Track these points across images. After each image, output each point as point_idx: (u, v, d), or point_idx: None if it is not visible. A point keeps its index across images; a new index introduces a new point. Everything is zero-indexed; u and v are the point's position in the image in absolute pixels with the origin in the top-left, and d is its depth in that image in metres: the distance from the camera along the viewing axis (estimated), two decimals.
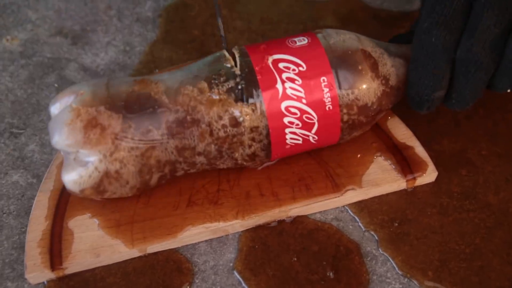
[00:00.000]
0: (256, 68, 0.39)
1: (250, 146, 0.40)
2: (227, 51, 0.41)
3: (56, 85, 0.50)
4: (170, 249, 0.41)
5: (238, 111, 0.39)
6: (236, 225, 0.42)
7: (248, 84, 0.39)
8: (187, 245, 0.41)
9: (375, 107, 0.41)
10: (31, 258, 0.39)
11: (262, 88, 0.39)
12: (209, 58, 0.41)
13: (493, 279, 0.40)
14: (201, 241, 0.42)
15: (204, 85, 0.39)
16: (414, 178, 0.44)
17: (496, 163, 0.46)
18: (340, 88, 0.40)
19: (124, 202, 0.42)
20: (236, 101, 0.39)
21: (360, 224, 0.43)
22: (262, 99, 0.39)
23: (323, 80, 0.39)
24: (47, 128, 0.47)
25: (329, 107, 0.40)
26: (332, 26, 0.55)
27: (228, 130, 0.39)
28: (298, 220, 0.43)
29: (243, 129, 0.39)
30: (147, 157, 0.38)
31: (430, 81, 0.41)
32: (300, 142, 0.41)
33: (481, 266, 0.41)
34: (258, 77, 0.39)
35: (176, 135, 0.39)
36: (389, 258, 0.41)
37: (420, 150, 0.45)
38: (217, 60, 0.40)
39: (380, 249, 0.41)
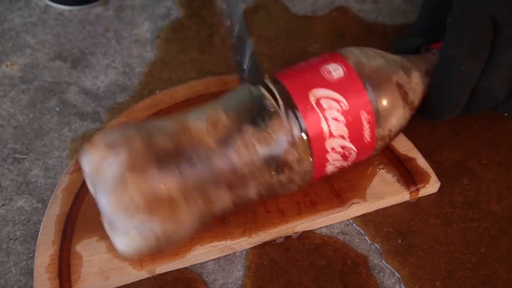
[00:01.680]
0: (299, 107, 0.38)
1: (297, 183, 0.40)
2: (262, 83, 0.39)
3: (57, 109, 0.50)
4: (178, 269, 0.41)
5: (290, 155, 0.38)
6: (243, 242, 0.42)
7: (294, 126, 0.38)
8: (195, 265, 0.41)
9: (402, 128, 0.42)
10: (40, 284, 0.39)
11: (308, 129, 0.38)
12: (243, 95, 0.39)
13: (500, 287, 0.40)
14: (209, 260, 0.42)
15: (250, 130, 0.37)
16: (417, 190, 0.44)
17: (496, 172, 0.47)
18: (377, 120, 0.40)
19: None
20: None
21: (366, 237, 0.43)
22: (308, 140, 0.38)
23: (363, 113, 0.39)
24: (50, 152, 0.48)
25: (367, 140, 0.40)
26: (329, 40, 0.56)
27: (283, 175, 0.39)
28: (305, 235, 0.43)
29: (295, 171, 0.39)
30: (206, 211, 0.37)
31: (453, 104, 0.43)
32: (336, 170, 0.42)
33: (488, 274, 0.41)
34: (303, 117, 0.38)
35: (233, 188, 0.38)
36: (396, 270, 0.41)
37: (422, 162, 0.46)
38: (256, 99, 0.39)
39: (387, 261, 0.42)
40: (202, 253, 0.41)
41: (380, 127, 0.40)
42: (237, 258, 0.42)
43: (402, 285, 0.40)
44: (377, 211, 0.44)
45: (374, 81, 0.40)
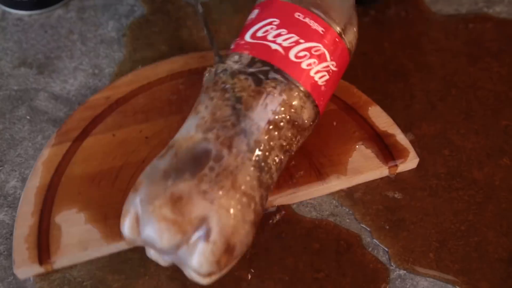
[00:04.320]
0: (246, 52, 0.39)
1: (306, 114, 0.40)
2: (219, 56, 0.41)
3: (28, 117, 0.49)
4: None
5: (274, 94, 0.38)
6: None
7: (255, 67, 0.39)
8: None
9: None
10: (19, 253, 0.40)
11: (264, 58, 0.39)
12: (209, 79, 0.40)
13: (491, 252, 0.41)
14: None
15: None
16: (396, 165, 0.45)
17: (475, 140, 0.47)
18: (315, 10, 0.40)
19: (111, 196, 0.43)
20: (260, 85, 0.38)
21: (355, 217, 0.43)
22: (274, 66, 0.39)
23: (298, 15, 0.40)
24: (25, 162, 0.46)
25: (321, 30, 0.40)
26: None
27: (285, 116, 0.38)
28: (295, 220, 0.43)
29: (291, 105, 0.39)
30: (253, 196, 0.36)
31: None
32: (327, 76, 0.41)
33: (478, 241, 0.42)
34: (254, 55, 0.39)
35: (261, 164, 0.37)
36: (389, 246, 0.42)
37: (401, 138, 0.46)
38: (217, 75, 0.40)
39: (379, 239, 0.42)
40: None
41: (317, 11, 0.40)
42: None
43: (396, 259, 0.41)
44: (365, 191, 0.44)
45: None
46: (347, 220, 0.43)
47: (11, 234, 0.42)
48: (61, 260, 0.40)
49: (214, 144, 0.36)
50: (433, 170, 0.45)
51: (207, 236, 0.34)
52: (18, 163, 0.46)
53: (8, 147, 0.47)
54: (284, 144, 0.38)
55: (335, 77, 0.42)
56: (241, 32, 0.42)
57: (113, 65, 0.53)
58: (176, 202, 0.34)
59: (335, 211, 0.43)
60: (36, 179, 0.44)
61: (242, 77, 0.38)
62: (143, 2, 0.58)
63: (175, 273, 0.40)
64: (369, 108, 0.48)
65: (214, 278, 0.36)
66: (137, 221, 0.35)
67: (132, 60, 0.53)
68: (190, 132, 0.37)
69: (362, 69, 0.52)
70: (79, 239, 0.41)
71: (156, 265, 0.40)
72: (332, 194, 0.44)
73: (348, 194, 0.44)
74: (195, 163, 0.35)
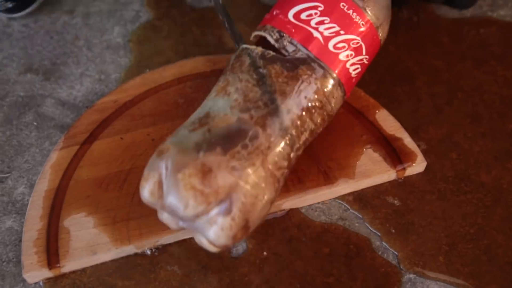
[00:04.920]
0: (288, 32, 0.40)
1: (336, 102, 0.41)
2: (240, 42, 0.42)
3: (35, 123, 0.49)
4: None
5: (310, 81, 0.39)
6: None
7: (293, 52, 0.40)
8: None
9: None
10: (28, 258, 0.40)
11: (305, 45, 0.40)
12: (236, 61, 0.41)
13: (500, 255, 0.41)
14: None
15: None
16: (404, 169, 0.45)
17: (482, 143, 0.47)
18: (359, 1, 0.41)
19: (119, 200, 0.43)
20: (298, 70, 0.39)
21: (365, 221, 0.43)
22: (311, 54, 0.40)
23: (343, 5, 0.41)
24: (33, 168, 0.46)
25: (362, 23, 0.41)
26: None
27: (317, 104, 0.40)
28: (305, 225, 0.43)
29: (324, 93, 0.40)
30: (277, 177, 0.37)
31: None
32: (360, 69, 0.42)
33: (488, 244, 0.42)
34: (294, 38, 0.40)
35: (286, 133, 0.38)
36: (399, 250, 0.41)
37: (409, 141, 0.46)
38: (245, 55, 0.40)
39: (388, 243, 0.42)
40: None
41: (363, 5, 0.41)
42: (240, 255, 0.41)
43: (406, 263, 0.41)
44: (373, 194, 0.44)
45: None
46: (356, 224, 0.43)
47: (20, 241, 0.42)
48: (70, 264, 0.40)
49: (249, 124, 0.37)
50: (441, 174, 0.45)
51: (229, 210, 0.35)
52: (25, 170, 0.46)
53: (16, 154, 0.47)
54: (313, 128, 0.40)
55: (364, 69, 0.43)
56: (282, 2, 0.42)
57: (119, 70, 0.53)
58: (206, 173, 0.35)
59: (344, 215, 0.43)
60: (45, 183, 0.44)
61: (278, 64, 0.39)
62: (148, 7, 0.58)
63: (185, 278, 0.40)
64: (377, 111, 0.48)
65: (224, 248, 0.37)
66: (159, 186, 0.36)
67: (138, 66, 0.53)
68: (226, 111, 0.38)
69: (368, 72, 0.52)
70: (87, 243, 0.41)
71: (166, 270, 0.40)
72: (341, 197, 0.44)
73: (357, 198, 0.44)
74: (229, 140, 0.36)
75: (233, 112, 0.38)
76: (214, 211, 0.35)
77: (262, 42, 0.43)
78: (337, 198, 0.44)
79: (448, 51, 0.54)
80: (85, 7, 0.58)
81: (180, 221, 0.37)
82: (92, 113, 0.48)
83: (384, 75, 0.52)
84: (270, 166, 0.37)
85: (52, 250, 0.41)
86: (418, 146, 0.46)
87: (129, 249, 0.41)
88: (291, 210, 0.43)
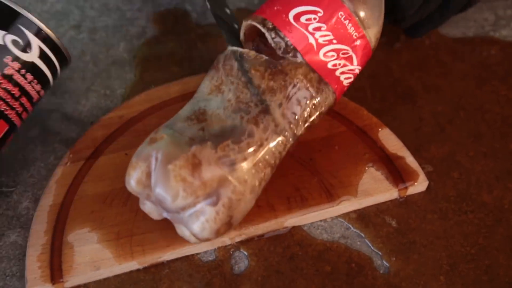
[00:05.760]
0: (285, 33, 0.40)
1: (326, 104, 0.42)
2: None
3: (40, 137, 0.49)
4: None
5: (300, 86, 0.40)
6: (233, 235, 0.42)
7: (287, 54, 0.41)
8: None
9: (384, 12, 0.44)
10: (32, 272, 0.40)
11: (299, 50, 0.40)
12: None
13: (502, 276, 0.41)
14: None
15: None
16: (406, 188, 0.45)
17: (484, 163, 0.48)
18: (356, 15, 0.41)
19: (123, 216, 0.43)
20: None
21: (366, 240, 0.43)
22: (303, 59, 0.40)
23: (341, 15, 0.41)
24: (38, 183, 0.46)
25: (355, 35, 0.41)
26: None
27: (309, 107, 0.40)
28: (306, 242, 0.43)
29: (313, 96, 0.41)
30: (264, 175, 0.39)
31: None
32: (352, 78, 0.43)
33: (489, 264, 0.42)
34: (290, 40, 0.40)
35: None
36: (400, 269, 0.42)
37: (411, 160, 0.47)
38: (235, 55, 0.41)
39: (390, 261, 0.42)
40: (193, 246, 0.42)
41: (360, 17, 0.42)
42: (242, 272, 0.42)
43: (408, 282, 0.41)
44: (375, 213, 0.45)
45: None
46: (358, 243, 0.43)
47: (24, 255, 0.42)
48: (73, 279, 0.40)
49: (243, 123, 0.38)
50: (442, 193, 0.46)
51: (214, 204, 0.36)
52: (30, 184, 0.47)
53: (21, 168, 0.47)
54: (302, 130, 0.41)
55: (356, 76, 0.44)
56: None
57: (124, 86, 0.53)
58: (196, 166, 0.36)
59: (346, 233, 0.44)
60: (49, 198, 0.44)
61: (270, 67, 0.40)
62: (154, 23, 0.59)
63: None
64: (379, 130, 0.48)
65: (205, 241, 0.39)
66: (147, 175, 0.37)
67: (144, 81, 0.54)
68: (219, 111, 0.39)
69: (371, 90, 0.52)
70: (91, 258, 0.41)
71: (169, 286, 0.40)
72: (343, 216, 0.45)
73: (359, 216, 0.44)
74: (222, 136, 0.37)
75: (225, 112, 0.39)
76: (200, 205, 0.36)
77: (253, 29, 0.43)
78: (339, 216, 0.44)
79: (451, 70, 0.55)
80: (91, 22, 0.59)
81: (164, 212, 0.38)
82: (97, 129, 0.48)
83: (387, 93, 0.53)
84: (260, 164, 0.38)
85: (55, 265, 0.41)
86: (420, 165, 0.46)
87: (132, 265, 0.41)
88: (293, 227, 0.44)
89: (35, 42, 0.43)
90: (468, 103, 0.52)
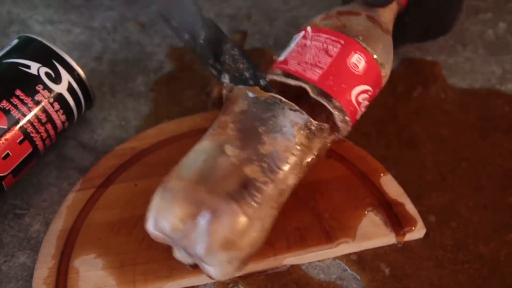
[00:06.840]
0: (347, 110, 0.44)
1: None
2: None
3: (56, 163, 0.51)
4: None
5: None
6: None
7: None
8: None
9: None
10: None
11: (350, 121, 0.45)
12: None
13: None
14: None
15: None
16: (404, 234, 0.46)
17: (482, 214, 0.49)
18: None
19: (128, 245, 0.45)
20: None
21: (362, 283, 0.44)
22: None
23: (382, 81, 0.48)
24: (50, 207, 0.48)
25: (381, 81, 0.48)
26: None
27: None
28: (304, 282, 0.44)
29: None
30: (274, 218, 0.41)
31: None
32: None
33: None
34: (350, 117, 0.45)
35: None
36: None
37: (410, 207, 0.48)
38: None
39: None
40: (194, 278, 0.43)
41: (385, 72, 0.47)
42: None
43: None
44: (372, 256, 0.46)
45: (381, 53, 0.47)
46: (354, 285, 0.44)
47: (31, 277, 0.44)
48: None
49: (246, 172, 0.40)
50: (440, 241, 0.47)
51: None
52: (43, 208, 0.48)
53: (35, 192, 0.50)
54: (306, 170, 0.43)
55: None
56: (341, 67, 0.45)
57: (139, 118, 0.56)
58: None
59: (343, 275, 0.45)
60: (60, 223, 0.46)
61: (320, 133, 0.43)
62: (171, 59, 0.61)
63: None
64: (381, 175, 0.50)
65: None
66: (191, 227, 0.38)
67: (158, 114, 0.56)
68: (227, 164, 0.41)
69: (376, 136, 0.54)
70: (95, 284, 0.43)
71: None
72: (341, 257, 0.46)
73: (356, 259, 0.46)
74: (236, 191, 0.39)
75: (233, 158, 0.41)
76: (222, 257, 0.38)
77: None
78: (337, 257, 0.46)
79: (456, 120, 0.56)
80: (112, 54, 0.61)
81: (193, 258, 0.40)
82: (110, 158, 0.50)
83: (391, 139, 0.54)
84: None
85: None
86: (419, 212, 0.47)
87: None
88: (291, 266, 0.45)
89: (65, 77, 0.48)
90: (471, 154, 0.53)
